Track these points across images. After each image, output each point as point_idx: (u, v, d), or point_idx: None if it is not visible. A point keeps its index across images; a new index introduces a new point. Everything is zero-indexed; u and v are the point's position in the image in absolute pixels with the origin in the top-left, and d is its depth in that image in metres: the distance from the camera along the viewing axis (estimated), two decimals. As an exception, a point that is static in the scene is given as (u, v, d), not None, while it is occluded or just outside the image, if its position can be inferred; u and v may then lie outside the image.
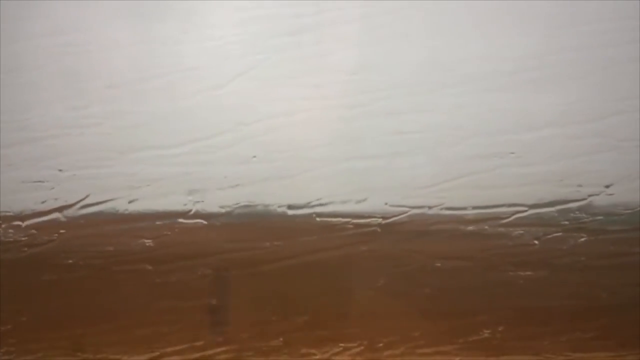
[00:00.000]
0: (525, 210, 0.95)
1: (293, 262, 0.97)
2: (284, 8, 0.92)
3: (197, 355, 0.99)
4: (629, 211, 0.95)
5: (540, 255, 0.96)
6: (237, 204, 0.95)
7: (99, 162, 0.94)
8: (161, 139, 0.94)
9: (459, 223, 0.95)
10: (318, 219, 0.95)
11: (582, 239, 0.96)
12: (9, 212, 0.94)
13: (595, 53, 0.92)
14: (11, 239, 0.95)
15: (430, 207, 0.95)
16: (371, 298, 0.98)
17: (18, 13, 0.91)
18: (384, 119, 0.94)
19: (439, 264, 0.97)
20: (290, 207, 0.95)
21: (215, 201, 0.95)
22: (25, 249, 0.96)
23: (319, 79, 0.93)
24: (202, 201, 0.95)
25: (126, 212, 0.95)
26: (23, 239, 0.95)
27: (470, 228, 0.95)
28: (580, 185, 0.94)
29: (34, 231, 0.95)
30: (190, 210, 0.95)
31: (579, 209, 0.94)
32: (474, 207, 0.95)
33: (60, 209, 0.95)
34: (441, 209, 0.95)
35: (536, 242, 0.96)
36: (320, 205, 0.95)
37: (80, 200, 0.95)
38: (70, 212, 0.95)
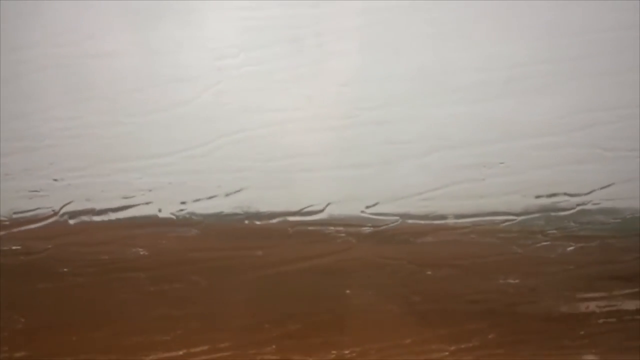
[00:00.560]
0: (514, 220, 0.96)
1: (286, 269, 0.98)
2: (279, 19, 0.92)
3: (190, 362, 1.00)
4: (618, 220, 0.95)
5: (529, 264, 0.96)
6: (230, 212, 0.96)
7: (94, 171, 0.95)
8: (156, 147, 0.95)
9: (449, 231, 0.96)
10: (310, 227, 0.96)
11: (570, 248, 0.97)
12: (5, 220, 0.95)
13: (584, 63, 0.92)
14: (7, 247, 0.96)
15: (420, 216, 0.96)
16: (362, 305, 0.99)
17: (16, 23, 0.92)
18: (375, 129, 0.95)
19: (429, 272, 0.98)
20: (283, 214, 0.96)
21: (209, 210, 0.96)
22: (21, 257, 0.96)
23: (312, 90, 0.94)
24: (196, 210, 0.96)
25: (121, 220, 0.96)
26: (19, 247, 0.96)
27: (460, 237, 0.96)
28: (568, 195, 0.95)
29: (29, 239, 0.96)
30: (184, 219, 0.96)
31: (567, 217, 0.95)
32: (464, 216, 0.96)
33: (55, 218, 0.96)
34: (431, 217, 0.96)
35: (524, 251, 0.96)
36: (312, 213, 0.96)
37: (76, 210, 0.96)
38: (65, 221, 0.96)
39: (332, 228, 0.96)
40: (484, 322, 1.00)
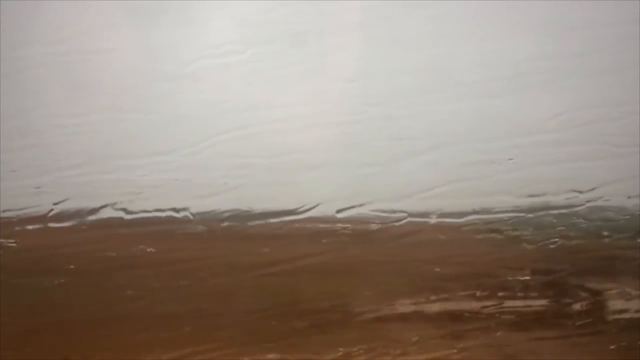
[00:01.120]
0: (523, 216, 0.95)
1: (292, 266, 0.97)
2: (284, 16, 0.92)
3: (197, 359, 1.00)
4: (627, 217, 0.95)
5: (539, 260, 0.96)
6: (235, 208, 0.96)
7: (98, 168, 0.95)
8: (161, 145, 0.95)
9: (456, 228, 0.96)
10: (316, 224, 0.96)
11: (579, 243, 0.96)
12: (10, 217, 0.95)
13: (590, 59, 0.92)
14: (13, 244, 0.96)
15: (427, 213, 0.96)
16: (369, 302, 0.99)
17: (17, 21, 0.92)
18: (381, 125, 0.94)
19: (437, 269, 0.97)
20: (288, 212, 0.96)
21: (215, 207, 0.96)
22: (26, 254, 0.96)
23: (317, 86, 0.94)
24: (201, 207, 0.96)
25: (126, 218, 0.96)
26: (24, 244, 0.96)
27: (468, 233, 0.96)
28: (578, 191, 0.94)
29: (35, 236, 0.96)
30: (189, 216, 0.96)
31: (576, 214, 0.95)
32: (472, 213, 0.95)
33: (61, 215, 0.96)
34: (439, 214, 0.95)
35: (534, 246, 0.96)
36: (319, 210, 0.95)
37: (80, 207, 0.95)
38: (71, 218, 0.96)
39: (339, 225, 0.96)
40: (492, 320, 1.00)
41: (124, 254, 0.96)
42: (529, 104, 0.94)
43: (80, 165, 0.95)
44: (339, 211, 0.96)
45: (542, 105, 0.94)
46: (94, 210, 0.95)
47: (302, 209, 0.96)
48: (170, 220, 0.96)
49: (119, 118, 0.95)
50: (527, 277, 0.97)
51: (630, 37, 0.91)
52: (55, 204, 0.95)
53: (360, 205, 0.96)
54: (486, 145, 0.94)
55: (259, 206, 0.96)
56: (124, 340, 0.99)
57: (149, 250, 0.96)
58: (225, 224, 0.96)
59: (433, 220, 0.96)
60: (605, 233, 0.96)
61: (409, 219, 0.95)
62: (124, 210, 0.95)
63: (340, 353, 1.00)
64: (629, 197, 0.95)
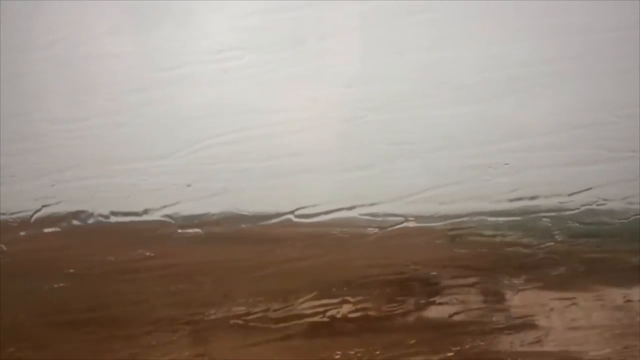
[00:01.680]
0: (518, 220, 0.96)
1: (290, 269, 0.98)
2: (282, 21, 0.93)
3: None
4: (624, 220, 0.95)
5: (535, 263, 0.97)
6: (234, 212, 0.96)
7: (98, 172, 0.95)
8: (160, 149, 0.95)
9: (454, 232, 0.96)
10: (315, 227, 0.96)
11: (574, 247, 0.96)
12: (11, 221, 0.95)
13: (587, 62, 0.93)
14: (12, 248, 0.96)
15: (425, 217, 0.96)
16: (368, 307, 0.99)
17: (17, 24, 0.92)
18: (379, 129, 0.95)
19: (434, 273, 0.98)
20: (286, 215, 0.96)
21: (214, 210, 0.96)
22: (26, 257, 0.97)
23: (316, 91, 0.94)
24: (201, 210, 0.96)
25: (126, 222, 0.96)
26: (24, 248, 0.96)
27: (465, 237, 0.96)
28: (572, 194, 0.95)
29: (35, 240, 0.96)
30: (189, 220, 0.96)
31: (572, 217, 0.95)
32: (469, 216, 0.96)
33: (60, 219, 0.96)
34: (436, 218, 0.96)
35: (529, 250, 0.97)
36: (317, 213, 0.96)
37: (81, 211, 0.96)
38: (71, 222, 0.96)
39: (337, 229, 0.96)
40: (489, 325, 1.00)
41: (123, 258, 0.97)
42: (527, 108, 0.94)
43: (80, 169, 0.96)
44: (336, 215, 0.96)
45: (540, 109, 0.94)
46: (92, 215, 0.96)
47: (300, 212, 0.96)
48: (169, 224, 0.96)
49: (118, 122, 0.95)
50: (522, 280, 0.98)
51: (629, 41, 0.91)
52: (53, 207, 0.96)
53: (358, 209, 0.96)
54: (483, 149, 0.94)
55: (258, 209, 0.96)
56: (123, 343, 0.99)
57: (147, 254, 0.97)
58: (224, 227, 0.96)
59: (430, 224, 0.96)
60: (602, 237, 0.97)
61: (407, 222, 0.96)
62: (123, 214, 0.96)
63: (338, 356, 1.00)
64: (623, 200, 0.95)
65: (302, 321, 0.98)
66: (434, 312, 0.99)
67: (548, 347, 0.97)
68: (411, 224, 0.96)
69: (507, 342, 0.98)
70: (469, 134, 0.95)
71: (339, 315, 0.98)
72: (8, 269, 0.96)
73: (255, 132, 0.95)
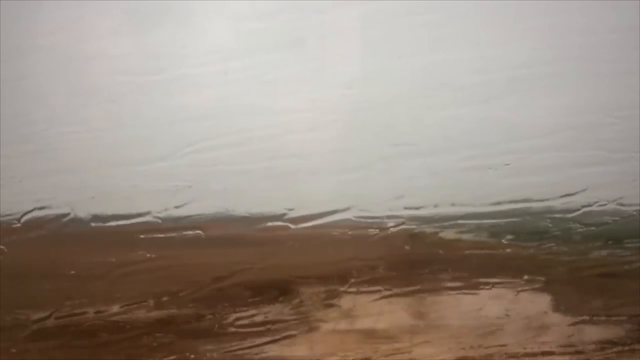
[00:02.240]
0: (520, 221, 0.96)
1: (291, 272, 0.98)
2: (283, 22, 0.93)
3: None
4: (623, 220, 0.95)
5: (535, 265, 0.97)
6: (236, 214, 0.96)
7: (99, 174, 0.95)
8: (161, 151, 0.95)
9: (455, 234, 0.96)
10: (314, 230, 0.96)
11: (576, 248, 0.97)
12: (12, 222, 0.95)
13: (588, 64, 0.93)
14: (13, 249, 0.96)
15: (425, 218, 0.96)
16: (369, 310, 0.99)
17: (19, 25, 0.92)
18: (379, 130, 0.95)
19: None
20: (288, 217, 0.96)
21: (216, 212, 0.96)
22: (27, 258, 0.96)
23: (316, 92, 0.94)
24: (202, 212, 0.96)
25: (127, 223, 0.96)
26: (25, 248, 0.96)
27: (466, 238, 0.96)
28: (573, 195, 0.95)
29: (36, 241, 0.96)
30: (190, 222, 0.96)
31: (572, 219, 0.95)
32: (469, 218, 0.96)
33: (61, 220, 0.96)
34: (436, 219, 0.96)
35: (530, 251, 0.97)
36: (317, 215, 0.96)
37: (80, 212, 0.96)
38: (71, 223, 0.96)
39: (338, 230, 0.96)
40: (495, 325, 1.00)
41: (124, 260, 0.97)
42: (527, 109, 0.94)
43: (80, 170, 0.96)
44: (336, 216, 0.96)
45: (540, 110, 0.94)
46: (94, 216, 0.96)
47: (300, 215, 0.96)
48: (170, 226, 0.96)
49: (118, 123, 0.95)
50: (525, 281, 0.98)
51: (629, 43, 0.91)
52: (54, 209, 0.96)
53: (359, 210, 0.96)
54: (483, 151, 0.94)
55: (258, 211, 0.96)
56: (124, 344, 0.99)
57: (148, 255, 0.96)
58: (226, 229, 0.96)
59: (432, 225, 0.96)
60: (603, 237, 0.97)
61: (408, 223, 0.96)
62: (125, 216, 0.96)
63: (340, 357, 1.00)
64: (621, 202, 0.95)
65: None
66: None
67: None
68: (412, 225, 0.96)
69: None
70: (469, 135, 0.94)
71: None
72: (8, 269, 0.96)
73: (255, 134, 0.95)
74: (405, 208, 0.96)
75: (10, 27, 0.92)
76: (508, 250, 0.96)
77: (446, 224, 0.95)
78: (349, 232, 0.96)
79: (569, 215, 0.95)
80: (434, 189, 0.95)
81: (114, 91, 0.95)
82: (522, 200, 0.95)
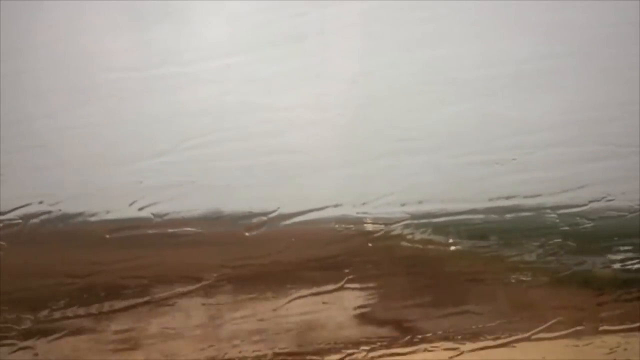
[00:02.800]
0: (527, 216, 0.95)
1: (295, 269, 0.97)
2: (285, 17, 0.93)
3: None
4: (630, 215, 0.95)
5: (541, 260, 0.96)
6: (239, 210, 0.95)
7: (101, 170, 0.95)
8: (163, 147, 0.95)
9: (460, 229, 0.96)
10: (318, 225, 0.95)
11: (582, 244, 0.96)
12: (13, 220, 0.95)
13: (594, 59, 0.93)
14: (16, 247, 0.95)
15: (431, 214, 0.95)
16: (374, 306, 0.99)
17: (18, 24, 0.92)
18: (384, 126, 0.94)
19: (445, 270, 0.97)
20: (291, 213, 0.95)
21: (218, 208, 0.95)
22: (27, 257, 0.96)
23: (319, 87, 0.94)
24: (204, 208, 0.95)
25: (127, 220, 0.95)
26: (27, 247, 0.96)
27: (472, 233, 0.96)
28: (580, 188, 0.94)
29: (38, 239, 0.95)
30: (191, 218, 0.95)
31: (579, 214, 0.95)
32: (476, 213, 0.95)
33: (60, 218, 0.95)
34: (442, 214, 0.95)
35: (538, 245, 0.96)
36: (322, 210, 0.95)
37: (81, 210, 0.95)
38: (72, 220, 0.95)
39: (342, 226, 0.95)
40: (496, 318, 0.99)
41: (125, 257, 0.96)
42: (531, 104, 0.94)
43: (81, 167, 0.95)
44: (341, 212, 0.95)
45: (545, 105, 0.94)
46: (94, 213, 0.95)
47: (305, 210, 0.95)
48: (172, 222, 0.95)
49: (119, 120, 0.95)
50: (530, 278, 0.98)
51: (632, 37, 0.91)
52: (55, 206, 0.95)
53: (364, 206, 0.95)
54: (488, 146, 0.94)
55: (261, 207, 0.95)
56: (125, 344, 0.99)
57: (149, 253, 0.96)
58: (227, 225, 0.96)
59: (437, 220, 0.95)
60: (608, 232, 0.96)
61: (413, 219, 0.95)
62: (125, 212, 0.95)
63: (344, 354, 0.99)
64: (633, 197, 0.95)
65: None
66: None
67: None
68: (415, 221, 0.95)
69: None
70: (474, 130, 0.94)
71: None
72: (8, 268, 0.95)
73: (257, 129, 0.94)
74: (409, 204, 0.95)
75: (10, 24, 0.92)
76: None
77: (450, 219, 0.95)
78: (353, 227, 0.95)
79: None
80: (439, 184, 0.95)
81: (115, 87, 0.94)
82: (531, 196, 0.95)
